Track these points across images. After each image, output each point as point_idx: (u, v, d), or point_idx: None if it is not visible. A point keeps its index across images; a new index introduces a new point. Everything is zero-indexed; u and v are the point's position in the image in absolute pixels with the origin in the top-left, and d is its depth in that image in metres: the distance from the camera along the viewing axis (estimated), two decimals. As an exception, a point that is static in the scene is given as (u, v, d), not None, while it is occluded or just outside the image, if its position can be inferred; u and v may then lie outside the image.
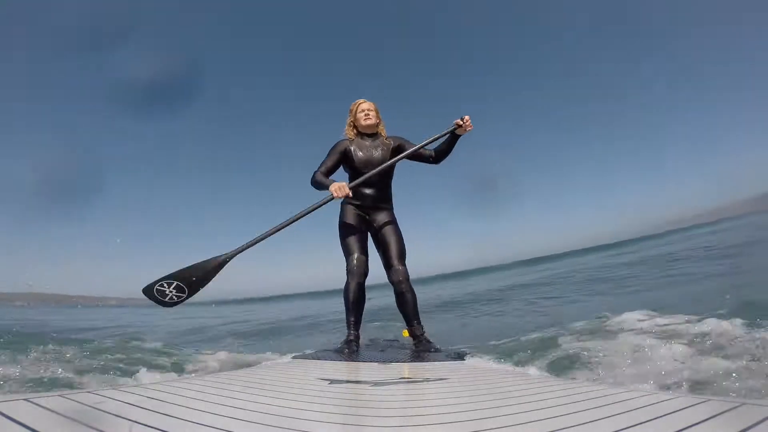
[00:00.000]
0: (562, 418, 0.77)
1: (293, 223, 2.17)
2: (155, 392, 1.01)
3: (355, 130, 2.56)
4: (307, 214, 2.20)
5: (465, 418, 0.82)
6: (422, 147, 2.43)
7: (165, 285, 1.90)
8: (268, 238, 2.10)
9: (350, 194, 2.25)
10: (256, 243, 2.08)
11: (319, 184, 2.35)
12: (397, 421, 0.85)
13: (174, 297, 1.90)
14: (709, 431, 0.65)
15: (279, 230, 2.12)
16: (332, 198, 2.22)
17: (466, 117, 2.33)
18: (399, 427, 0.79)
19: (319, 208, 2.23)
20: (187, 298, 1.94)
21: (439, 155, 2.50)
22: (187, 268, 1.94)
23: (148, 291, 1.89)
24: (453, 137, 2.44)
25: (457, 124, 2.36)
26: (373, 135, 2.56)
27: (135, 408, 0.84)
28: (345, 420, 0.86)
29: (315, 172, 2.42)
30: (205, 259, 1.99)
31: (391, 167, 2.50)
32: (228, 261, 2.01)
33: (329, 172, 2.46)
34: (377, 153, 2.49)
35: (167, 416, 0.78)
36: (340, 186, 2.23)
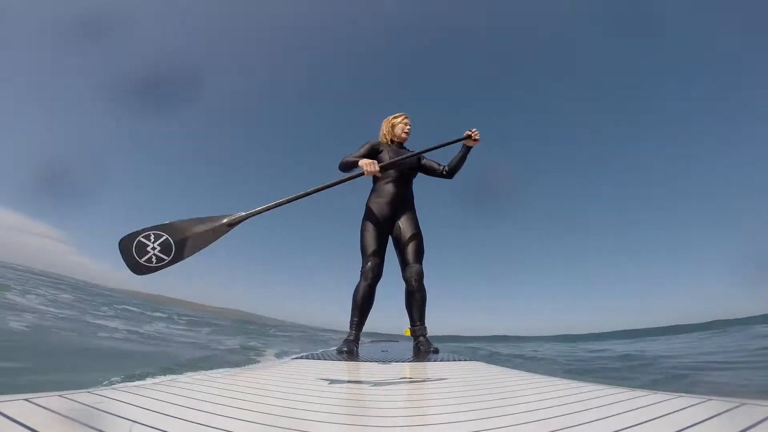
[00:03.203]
0: (562, 418, 0.77)
1: (319, 192, 1.89)
2: (155, 392, 1.01)
3: (388, 140, 2.69)
4: (333, 185, 1.95)
5: (465, 418, 0.82)
6: (433, 149, 2.42)
7: (151, 237, 1.44)
8: (289, 204, 1.79)
9: (380, 173, 2.28)
10: (274, 207, 1.73)
11: (347, 164, 2.38)
12: (398, 421, 0.85)
13: (154, 258, 1.44)
14: (709, 431, 0.65)
15: (302, 197, 1.81)
16: (362, 173, 2.20)
17: (474, 130, 2.46)
18: (400, 427, 0.79)
19: (349, 180, 2.07)
20: (170, 263, 1.46)
21: (452, 170, 2.62)
22: (187, 221, 1.50)
23: (126, 244, 1.43)
24: (465, 149, 2.55)
25: (467, 135, 2.46)
26: (401, 146, 2.70)
27: (135, 408, 0.83)
28: (345, 420, 0.86)
29: (345, 156, 2.45)
30: (209, 216, 1.54)
31: (417, 162, 2.65)
32: (238, 223, 1.60)
33: (360, 157, 2.51)
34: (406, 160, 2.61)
35: (167, 416, 0.78)
36: (371, 162, 2.24)
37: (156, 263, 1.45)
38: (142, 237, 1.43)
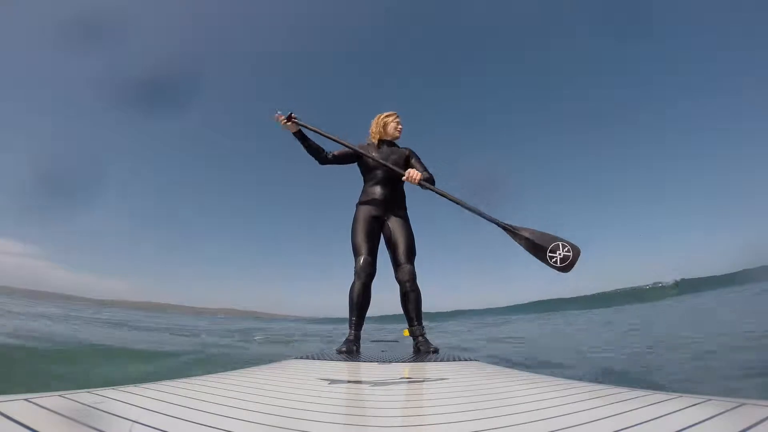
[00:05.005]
0: (562, 418, 0.77)
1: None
2: (155, 392, 1.01)
3: (377, 139, 2.70)
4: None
5: (465, 418, 0.82)
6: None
7: (558, 248, 2.07)
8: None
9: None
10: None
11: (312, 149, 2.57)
12: (398, 421, 0.85)
13: (559, 259, 2.08)
14: (709, 431, 0.65)
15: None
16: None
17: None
18: (399, 427, 0.79)
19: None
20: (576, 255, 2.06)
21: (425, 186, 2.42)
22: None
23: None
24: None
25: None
26: (392, 143, 2.71)
27: (135, 408, 0.84)
28: (345, 420, 0.86)
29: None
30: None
31: (405, 163, 2.61)
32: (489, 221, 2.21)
33: (338, 157, 2.62)
34: (393, 157, 2.60)
35: (167, 416, 0.78)
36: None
37: (570, 258, 2.07)
38: (551, 253, 2.09)
